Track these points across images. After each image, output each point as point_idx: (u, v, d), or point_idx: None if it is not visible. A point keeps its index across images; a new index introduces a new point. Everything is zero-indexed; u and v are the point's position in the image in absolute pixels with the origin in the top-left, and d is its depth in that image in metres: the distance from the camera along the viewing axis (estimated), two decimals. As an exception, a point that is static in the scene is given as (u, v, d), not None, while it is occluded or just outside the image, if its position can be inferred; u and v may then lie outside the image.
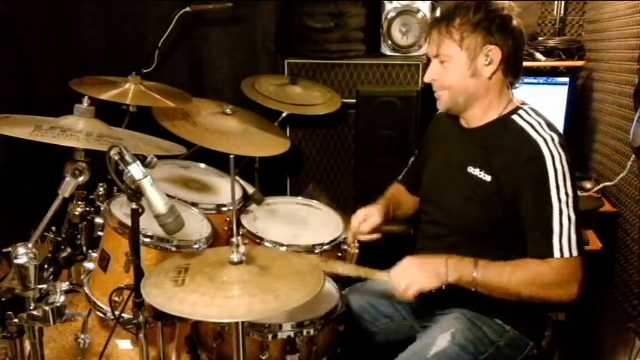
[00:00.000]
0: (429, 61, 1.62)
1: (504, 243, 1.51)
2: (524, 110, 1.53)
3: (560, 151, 1.43)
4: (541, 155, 1.42)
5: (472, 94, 1.53)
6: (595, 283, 2.11)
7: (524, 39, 1.53)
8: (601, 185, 2.29)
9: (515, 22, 1.51)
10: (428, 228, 1.71)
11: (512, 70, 1.54)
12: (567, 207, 1.40)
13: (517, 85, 1.58)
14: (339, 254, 1.97)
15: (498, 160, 1.49)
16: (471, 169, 1.54)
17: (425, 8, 2.62)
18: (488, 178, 1.50)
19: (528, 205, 1.43)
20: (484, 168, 1.51)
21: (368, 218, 1.73)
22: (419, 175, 1.80)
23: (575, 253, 1.40)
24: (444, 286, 1.44)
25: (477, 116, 1.57)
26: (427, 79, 1.59)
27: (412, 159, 1.93)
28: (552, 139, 1.44)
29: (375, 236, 1.74)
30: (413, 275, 1.45)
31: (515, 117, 1.52)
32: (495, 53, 1.48)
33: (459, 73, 1.51)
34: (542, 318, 1.66)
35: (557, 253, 1.39)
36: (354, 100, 2.60)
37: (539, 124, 1.48)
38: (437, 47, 1.53)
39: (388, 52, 2.70)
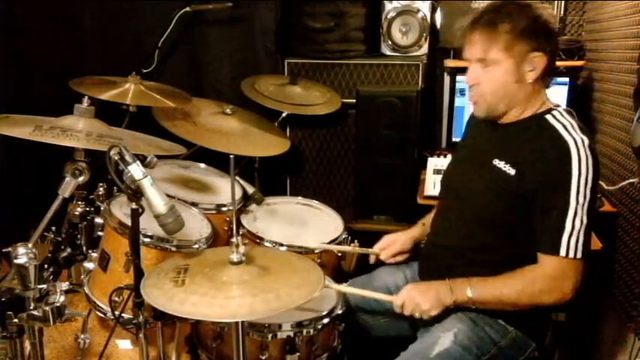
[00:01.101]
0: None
1: (520, 238, 1.52)
2: (558, 112, 1.54)
3: (589, 154, 1.44)
4: (569, 156, 1.43)
5: (512, 99, 1.54)
6: (595, 283, 2.12)
7: (558, 38, 1.57)
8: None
9: (552, 26, 1.52)
10: (445, 218, 1.71)
11: (551, 72, 1.55)
12: (582, 210, 1.42)
13: (552, 83, 1.58)
14: (339, 254, 1.97)
15: (526, 155, 1.49)
16: (496, 162, 1.54)
17: (425, 8, 2.62)
18: (512, 171, 1.50)
19: (546, 200, 1.45)
20: (510, 161, 1.52)
21: (390, 246, 1.81)
22: None
23: (579, 255, 1.42)
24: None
25: (512, 114, 1.58)
26: (469, 82, 1.57)
27: None
28: (583, 142, 1.45)
29: (399, 258, 1.83)
30: (417, 304, 1.51)
31: (548, 117, 1.53)
32: (540, 61, 1.49)
33: (504, 79, 1.51)
34: (544, 319, 1.66)
35: (563, 252, 1.42)
36: (354, 100, 2.60)
37: (572, 125, 1.49)
38: (482, 51, 1.51)
39: (388, 52, 2.70)
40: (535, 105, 1.56)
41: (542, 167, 1.45)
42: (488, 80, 1.53)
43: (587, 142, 1.45)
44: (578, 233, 1.42)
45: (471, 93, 1.59)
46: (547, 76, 1.55)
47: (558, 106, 1.58)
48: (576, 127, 1.49)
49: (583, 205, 1.42)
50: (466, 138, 1.81)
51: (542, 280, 1.44)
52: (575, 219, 1.42)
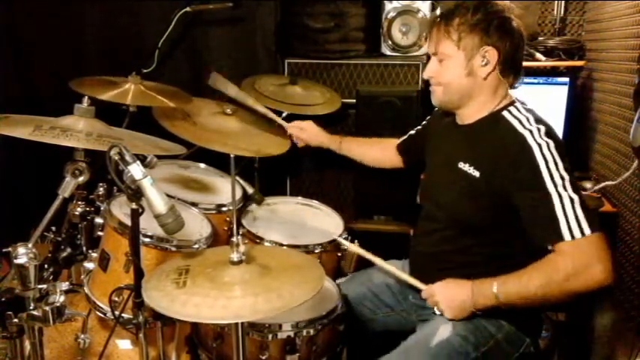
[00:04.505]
0: (429, 57, 1.66)
1: (495, 238, 1.53)
2: (515, 107, 1.55)
3: (547, 139, 1.43)
4: (528, 148, 1.43)
5: (467, 92, 1.56)
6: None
7: (524, 40, 1.55)
8: (602, 184, 2.28)
9: (514, 24, 1.52)
10: (424, 224, 1.74)
11: (511, 72, 1.55)
12: (565, 190, 1.39)
13: (517, 85, 1.59)
14: (339, 254, 1.97)
15: (487, 155, 1.51)
16: (461, 165, 1.56)
17: (425, 8, 2.62)
18: (477, 173, 1.51)
19: (526, 201, 1.43)
20: (473, 164, 1.53)
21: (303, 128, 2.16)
22: (412, 142, 2.00)
23: (587, 231, 1.36)
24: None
25: (471, 113, 1.60)
26: (425, 75, 1.63)
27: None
28: (539, 131, 1.45)
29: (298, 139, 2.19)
30: (447, 305, 1.53)
31: (504, 113, 1.54)
32: (492, 54, 1.50)
33: (456, 72, 1.54)
34: (537, 315, 1.66)
35: (567, 237, 1.36)
36: (354, 100, 2.60)
37: (527, 119, 1.50)
38: (435, 46, 1.57)
39: (388, 52, 2.69)
40: (493, 102, 1.56)
41: (506, 166, 1.45)
42: (442, 74, 1.57)
43: (543, 129, 1.45)
44: (575, 213, 1.37)
45: (430, 83, 1.64)
46: (509, 76, 1.54)
47: (517, 101, 1.58)
48: (532, 120, 1.49)
49: (564, 185, 1.39)
50: (432, 140, 1.82)
51: (564, 266, 1.36)
52: (563, 202, 1.38)
